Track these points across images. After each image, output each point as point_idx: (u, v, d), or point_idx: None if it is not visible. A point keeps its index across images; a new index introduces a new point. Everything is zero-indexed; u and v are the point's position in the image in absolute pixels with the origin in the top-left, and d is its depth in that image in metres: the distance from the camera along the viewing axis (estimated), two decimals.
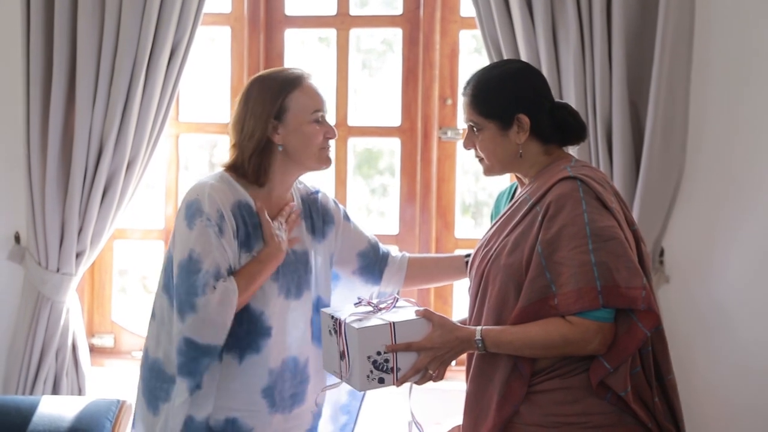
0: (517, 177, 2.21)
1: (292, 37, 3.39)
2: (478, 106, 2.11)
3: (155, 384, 2.18)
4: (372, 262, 2.41)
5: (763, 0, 2.92)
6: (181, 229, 2.13)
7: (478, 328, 2.00)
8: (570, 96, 2.89)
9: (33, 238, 3.11)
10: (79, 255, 3.11)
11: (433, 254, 2.57)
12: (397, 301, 2.11)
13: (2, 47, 3.19)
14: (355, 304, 2.12)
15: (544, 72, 2.89)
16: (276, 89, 2.18)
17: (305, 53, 3.53)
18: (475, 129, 2.12)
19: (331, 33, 3.38)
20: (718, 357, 2.98)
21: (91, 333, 3.38)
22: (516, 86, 2.12)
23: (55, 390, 3.13)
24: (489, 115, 2.10)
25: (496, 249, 2.07)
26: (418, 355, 2.01)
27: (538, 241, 1.98)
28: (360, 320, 2.02)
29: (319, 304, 2.28)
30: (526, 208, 2.06)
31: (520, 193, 2.15)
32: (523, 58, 2.92)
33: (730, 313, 2.96)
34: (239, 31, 3.32)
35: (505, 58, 2.94)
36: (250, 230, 2.17)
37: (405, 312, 2.07)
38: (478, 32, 3.04)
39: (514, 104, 2.09)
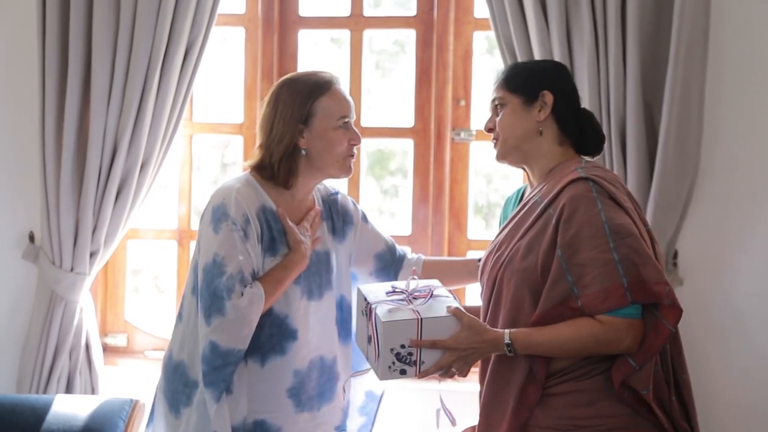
0: (526, 175, 2.20)
1: (305, 38, 3.40)
2: (506, 82, 2.14)
3: (178, 387, 2.19)
4: (388, 264, 2.41)
5: None
6: (206, 233, 2.14)
7: (507, 331, 1.98)
8: (584, 97, 2.88)
9: (47, 237, 3.12)
10: (92, 254, 3.12)
11: (447, 257, 2.57)
12: (432, 294, 2.07)
13: (18, 48, 3.20)
14: (388, 293, 2.08)
15: None
16: (305, 93, 2.18)
17: (318, 54, 3.54)
18: (498, 107, 2.14)
19: (344, 34, 3.38)
20: (733, 359, 2.97)
21: (104, 332, 3.39)
22: (548, 69, 2.18)
23: (69, 389, 3.14)
24: (515, 89, 2.12)
25: (508, 254, 2.06)
26: (443, 353, 1.99)
27: (557, 245, 1.97)
28: (389, 311, 1.99)
29: (342, 304, 2.29)
30: (538, 211, 2.05)
31: (530, 194, 2.14)
32: (537, 58, 2.91)
33: (744, 315, 2.95)
34: (253, 31, 3.33)
35: (519, 59, 2.94)
36: (275, 235, 2.17)
37: (437, 305, 2.03)
38: (491, 33, 3.03)
39: (542, 81, 2.12)
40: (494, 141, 2.16)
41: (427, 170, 3.28)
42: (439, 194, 3.26)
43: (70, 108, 3.06)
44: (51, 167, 3.09)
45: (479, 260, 2.36)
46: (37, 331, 3.12)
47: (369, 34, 3.38)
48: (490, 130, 2.17)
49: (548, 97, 2.10)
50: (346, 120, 2.21)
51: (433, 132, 3.27)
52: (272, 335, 2.17)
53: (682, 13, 2.83)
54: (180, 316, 2.24)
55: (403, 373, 1.99)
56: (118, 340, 3.39)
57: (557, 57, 2.89)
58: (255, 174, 2.22)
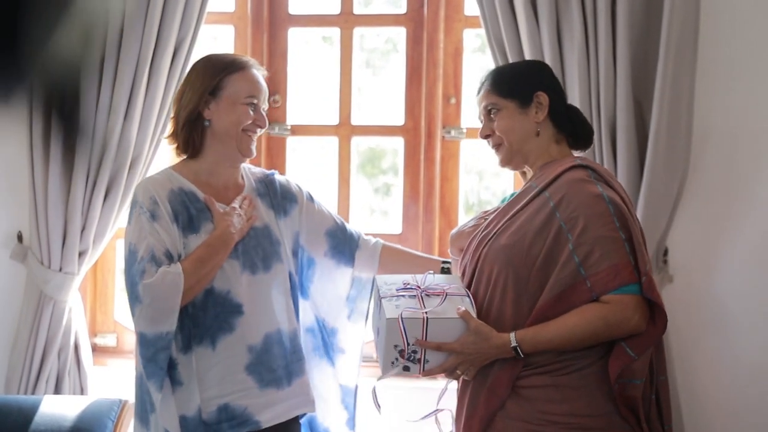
0: (522, 174, 2.20)
1: (295, 36, 3.39)
2: (496, 88, 2.13)
3: (144, 396, 2.17)
4: (341, 242, 2.40)
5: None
6: (125, 229, 2.21)
7: (512, 334, 1.95)
8: (574, 95, 2.88)
9: (36, 237, 3.10)
10: (81, 254, 3.10)
11: (411, 250, 2.58)
12: (446, 293, 2.02)
13: None
14: (399, 288, 2.04)
15: None
16: (219, 67, 2.23)
17: (309, 52, 3.52)
18: (492, 112, 2.13)
19: (334, 32, 3.37)
20: (722, 356, 2.96)
21: (93, 332, 3.37)
22: (535, 69, 2.19)
23: (58, 389, 3.12)
24: (508, 94, 2.12)
25: (496, 231, 2.06)
26: (448, 355, 1.97)
27: (559, 228, 1.95)
28: (397, 306, 1.98)
29: (291, 278, 2.29)
30: (532, 194, 2.05)
31: (525, 183, 2.15)
32: (528, 57, 2.90)
33: (734, 313, 2.95)
34: (243, 29, 3.31)
35: (509, 57, 2.93)
36: (193, 213, 2.19)
37: (448, 305, 1.99)
38: (482, 31, 3.02)
39: (535, 83, 2.12)
40: (495, 147, 2.16)
41: (418, 168, 3.27)
42: (430, 192, 3.26)
43: (57, 106, 3.04)
44: (39, 167, 3.07)
45: (444, 263, 2.36)
46: (25, 332, 3.11)
47: (359, 32, 3.37)
48: (487, 136, 2.16)
49: (543, 98, 2.11)
50: (254, 100, 2.23)
51: (423, 130, 3.26)
52: (217, 314, 2.16)
53: (671, 10, 2.82)
54: None
55: (406, 369, 1.98)
56: (107, 340, 3.37)
57: (547, 55, 2.89)
58: (177, 165, 2.27)
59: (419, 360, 1.96)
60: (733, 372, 2.95)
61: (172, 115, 2.28)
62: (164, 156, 3.30)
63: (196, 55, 3.08)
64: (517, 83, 2.13)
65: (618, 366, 1.94)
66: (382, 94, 3.54)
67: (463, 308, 1.98)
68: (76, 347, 3.15)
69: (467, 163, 3.34)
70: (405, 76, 3.30)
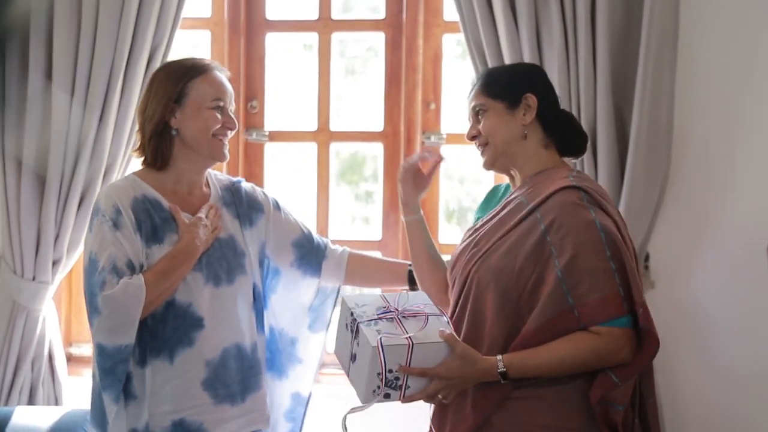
0: (509, 177, 2.16)
1: (275, 42, 3.36)
2: (486, 89, 2.10)
3: (100, 404, 2.12)
4: (308, 252, 2.36)
5: (748, 4, 2.89)
6: (86, 236, 2.16)
7: (499, 357, 1.90)
8: None
9: (8, 245, 3.05)
10: (55, 263, 3.05)
11: (377, 256, 2.55)
12: (427, 315, 1.95)
13: None
14: (376, 312, 1.95)
15: None
16: (180, 74, 2.17)
17: (287, 58, 3.49)
18: (480, 113, 2.10)
19: (313, 38, 3.34)
20: (704, 362, 2.95)
21: (68, 342, 3.32)
22: (528, 71, 2.16)
23: (31, 400, 3.07)
24: (496, 95, 2.08)
25: (486, 251, 2.01)
26: (430, 380, 1.90)
27: (548, 253, 1.91)
28: (378, 331, 1.88)
29: (255, 291, 2.24)
30: (523, 213, 1.99)
31: (513, 193, 2.10)
32: (507, 62, 2.88)
33: (715, 318, 2.93)
34: (219, 35, 3.28)
35: (489, 62, 2.91)
36: (157, 222, 2.14)
37: (429, 327, 1.91)
38: (461, 36, 3.00)
39: (524, 84, 2.08)
40: (481, 149, 2.12)
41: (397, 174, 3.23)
42: None
43: (31, 112, 3.00)
44: (11, 174, 3.02)
45: (410, 267, 2.33)
46: None
47: (338, 38, 3.35)
48: (473, 138, 2.13)
49: (532, 100, 2.06)
50: (221, 103, 2.18)
51: (403, 136, 3.24)
52: (177, 327, 2.11)
53: (651, 15, 2.81)
54: None
55: (387, 396, 1.90)
56: (83, 350, 3.32)
57: (527, 59, 2.87)
58: (140, 171, 2.22)
59: (400, 386, 1.89)
60: (713, 376, 2.94)
61: (137, 128, 2.22)
62: (139, 164, 3.25)
63: None
64: (507, 84, 2.09)
65: (600, 392, 1.91)
66: (361, 100, 3.51)
67: (447, 331, 1.91)
68: (51, 357, 3.10)
69: (448, 169, 3.32)
70: (384, 82, 3.27)
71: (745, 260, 2.87)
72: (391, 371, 1.86)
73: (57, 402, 3.10)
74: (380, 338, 1.85)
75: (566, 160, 2.15)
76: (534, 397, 1.93)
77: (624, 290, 1.89)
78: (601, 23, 2.83)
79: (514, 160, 2.09)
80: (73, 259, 3.09)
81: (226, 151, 2.21)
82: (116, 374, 2.05)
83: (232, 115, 2.22)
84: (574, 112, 2.86)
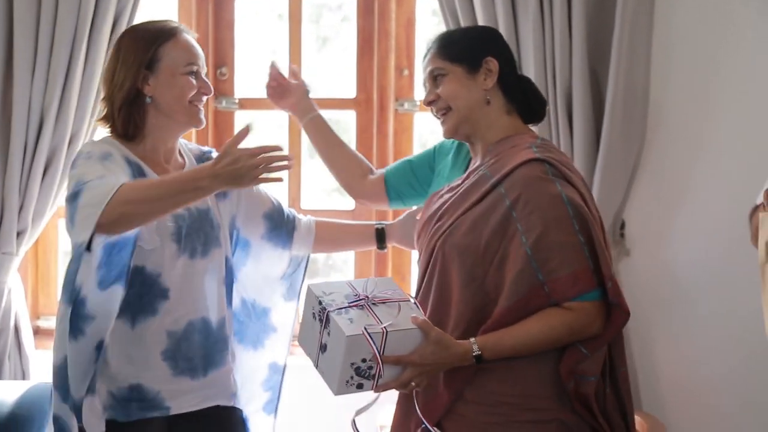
0: (470, 144, 2.10)
1: (250, 11, 3.27)
2: (443, 51, 2.02)
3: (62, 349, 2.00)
4: (279, 224, 2.31)
5: None
6: (67, 185, 2.00)
7: (473, 340, 1.86)
8: (529, 65, 2.81)
9: None
10: (20, 234, 2.98)
11: (342, 221, 2.51)
12: (396, 300, 1.89)
13: None
14: (348, 297, 1.88)
15: None
16: (149, 39, 2.08)
17: (258, 23, 3.42)
18: (438, 78, 2.03)
19: (284, 4, 3.26)
20: (679, 330, 2.94)
21: (36, 315, 3.26)
22: (486, 35, 2.08)
23: None
24: (455, 58, 2.01)
25: (449, 226, 1.96)
26: (404, 368, 1.85)
27: (516, 229, 1.87)
28: (351, 320, 1.82)
29: (227, 264, 2.19)
30: (486, 187, 1.93)
31: (476, 165, 2.03)
32: (481, 24, 2.83)
33: (690, 285, 2.92)
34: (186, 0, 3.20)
35: (462, 26, 2.86)
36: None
37: (401, 314, 1.86)
38: (435, 1, 2.94)
39: (484, 47, 2.02)
40: (440, 115, 2.05)
41: (371, 142, 3.19)
42: (383, 165, 3.16)
43: None
44: None
45: (378, 224, 2.31)
46: None
47: (310, 3, 3.27)
48: (430, 103, 2.05)
49: (493, 64, 2.00)
50: (194, 68, 2.10)
51: (376, 103, 3.18)
52: (142, 294, 2.05)
53: None
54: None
55: (359, 387, 1.84)
56: (50, 323, 3.25)
57: (501, 23, 2.81)
58: (114, 136, 2.12)
59: (373, 375, 1.84)
60: (688, 342, 2.93)
61: (102, 96, 2.13)
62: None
63: None
64: (466, 48, 2.02)
65: (569, 364, 1.88)
66: (333, 67, 3.44)
67: (420, 317, 1.86)
68: (17, 330, 3.04)
69: (421, 136, 3.27)
70: (356, 48, 3.21)
71: (720, 226, 2.86)
72: (364, 360, 1.81)
73: (24, 376, 3.05)
74: (365, 327, 1.79)
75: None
76: (503, 368, 1.89)
77: (593, 264, 1.86)
78: None
79: (477, 127, 2.03)
80: (38, 230, 3.02)
81: (203, 117, 2.14)
82: (74, 278, 1.90)
83: (207, 80, 2.14)
84: (550, 78, 2.82)
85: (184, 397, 2.11)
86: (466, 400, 1.92)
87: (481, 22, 2.83)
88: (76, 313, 1.94)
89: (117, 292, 1.97)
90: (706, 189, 2.90)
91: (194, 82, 2.10)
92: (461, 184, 2.03)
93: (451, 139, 2.16)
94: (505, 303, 1.87)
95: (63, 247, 3.34)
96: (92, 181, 1.90)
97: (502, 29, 2.81)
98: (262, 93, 3.38)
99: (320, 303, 1.86)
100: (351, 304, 1.85)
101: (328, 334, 1.84)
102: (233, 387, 2.21)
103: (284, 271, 2.36)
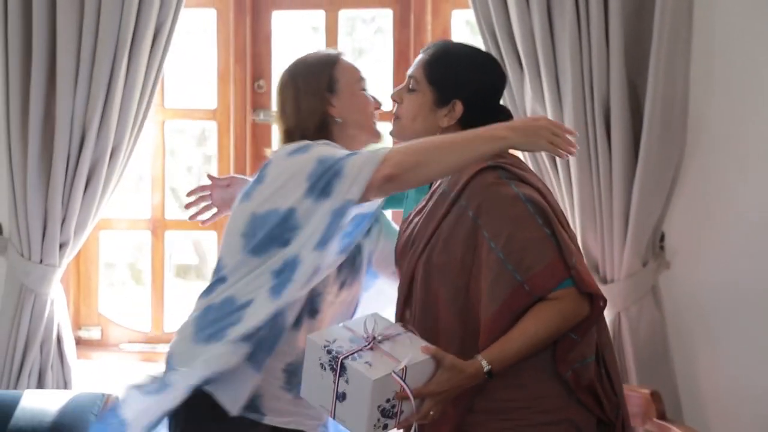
0: None
1: (282, 22, 3.30)
2: (428, 67, 2.03)
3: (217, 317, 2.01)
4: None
5: None
6: (287, 165, 1.99)
7: (480, 357, 1.85)
8: (566, 76, 2.80)
9: (15, 228, 3.02)
10: (62, 246, 3.02)
11: None
12: (403, 336, 1.87)
13: None
14: (353, 341, 1.86)
15: (540, 52, 2.81)
16: (321, 64, 2.13)
17: (295, 37, 3.45)
18: (411, 85, 2.05)
19: (320, 18, 3.29)
20: (720, 343, 2.90)
21: (77, 325, 3.30)
22: (473, 73, 2.04)
23: (41, 384, 3.05)
24: (432, 81, 2.02)
25: (423, 249, 1.99)
26: (422, 400, 1.84)
27: (482, 237, 1.89)
28: (367, 364, 1.80)
29: (357, 301, 2.19)
30: (447, 203, 1.97)
31: (437, 185, 2.07)
32: (518, 37, 2.83)
33: (731, 298, 2.88)
34: (225, 13, 3.23)
35: (499, 37, 2.86)
36: None
37: (405, 347, 1.84)
38: (471, 12, 2.94)
39: (460, 88, 2.01)
40: (394, 117, 2.09)
41: None
42: None
43: (35, 95, 2.96)
44: (17, 156, 2.98)
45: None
46: (6, 325, 3.03)
47: (345, 16, 3.29)
48: (394, 100, 2.09)
49: (458, 108, 2.01)
50: (364, 84, 2.17)
51: None
52: (302, 307, 2.04)
53: None
54: (221, 280, 2.06)
55: (385, 427, 1.82)
56: (92, 333, 3.30)
57: (538, 34, 2.81)
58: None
59: (396, 413, 1.82)
60: (731, 357, 2.89)
61: (285, 128, 2.14)
62: (146, 144, 3.22)
63: (177, 40, 3.02)
64: (446, 79, 2.02)
65: (563, 351, 1.90)
66: (369, 79, 3.45)
67: (431, 347, 1.84)
68: (59, 340, 3.08)
69: None
70: (392, 60, 3.22)
71: (762, 238, 2.83)
72: (388, 400, 1.80)
73: (66, 385, 3.08)
74: (376, 370, 1.78)
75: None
76: (509, 374, 1.90)
77: (564, 252, 1.88)
78: None
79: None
80: (81, 242, 3.06)
81: (379, 130, 2.19)
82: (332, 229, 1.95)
83: (374, 96, 2.19)
84: (587, 88, 2.80)
85: (280, 412, 2.10)
86: (476, 411, 1.92)
87: (517, 33, 2.82)
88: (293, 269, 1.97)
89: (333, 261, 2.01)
90: (748, 200, 2.86)
91: (368, 97, 2.16)
92: (425, 205, 2.07)
93: None
94: (489, 310, 1.88)
95: (104, 259, 3.39)
96: (355, 154, 1.93)
97: (539, 39, 2.80)
98: None
99: (329, 352, 1.84)
100: (362, 348, 1.84)
101: (347, 381, 1.82)
102: (323, 418, 2.18)
103: None
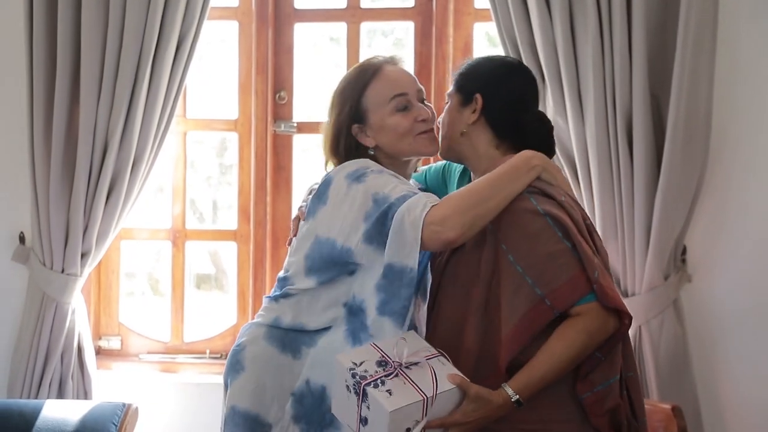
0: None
1: (302, 35, 3.31)
2: (455, 78, 2.11)
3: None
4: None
5: None
6: (346, 194, 1.96)
7: (507, 386, 1.85)
8: (589, 89, 2.80)
9: (38, 238, 3.04)
10: (84, 255, 3.04)
11: None
12: (431, 366, 1.85)
13: (5, 44, 3.12)
14: (379, 365, 1.85)
15: (562, 64, 2.80)
16: (351, 88, 2.09)
17: (316, 49, 3.46)
18: (447, 100, 2.12)
19: (341, 30, 3.30)
20: (743, 357, 2.88)
21: (98, 335, 3.31)
22: (492, 71, 2.09)
23: (61, 393, 3.06)
24: (457, 88, 2.09)
25: (447, 261, 2.00)
26: (448, 428, 1.85)
27: (501, 250, 1.89)
28: (389, 392, 1.78)
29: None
30: None
31: None
32: (540, 50, 2.83)
33: (753, 312, 2.86)
34: (247, 25, 3.24)
35: (521, 50, 2.86)
36: None
37: (436, 373, 1.82)
38: (492, 24, 2.94)
39: (477, 82, 2.06)
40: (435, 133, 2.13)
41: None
42: None
43: (59, 105, 2.98)
44: (40, 166, 3.00)
45: None
46: (28, 334, 3.04)
47: (366, 28, 3.30)
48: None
49: (478, 100, 2.04)
50: (401, 98, 2.06)
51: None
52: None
53: (689, 0, 2.73)
54: (287, 295, 2.07)
55: None
56: (112, 343, 3.31)
57: (560, 48, 2.81)
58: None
59: None
60: (754, 371, 2.87)
61: (329, 152, 2.13)
62: (168, 155, 3.24)
63: (200, 52, 3.04)
64: (467, 79, 2.08)
65: (587, 370, 1.88)
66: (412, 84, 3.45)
67: (458, 375, 1.84)
68: (80, 350, 3.09)
69: None
70: (414, 72, 3.20)
71: None
72: (409, 429, 1.79)
73: (86, 395, 3.09)
74: (396, 400, 1.77)
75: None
76: None
77: (584, 267, 1.87)
78: (637, 8, 2.76)
79: (461, 156, 2.09)
80: (102, 252, 3.08)
81: (432, 142, 2.09)
82: (400, 298, 1.91)
83: (423, 104, 2.10)
84: (609, 101, 2.80)
85: None
86: (491, 430, 1.91)
87: (539, 45, 2.82)
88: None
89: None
90: None
91: (407, 115, 2.06)
92: None
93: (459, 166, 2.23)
94: (509, 324, 1.86)
95: (125, 269, 3.40)
96: (407, 197, 1.89)
97: (561, 53, 2.80)
98: (320, 117, 3.43)
99: (354, 376, 1.83)
100: (386, 375, 1.82)
101: (368, 408, 1.81)
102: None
103: None
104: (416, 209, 1.87)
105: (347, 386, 1.86)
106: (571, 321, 1.86)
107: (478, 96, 2.04)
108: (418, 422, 1.79)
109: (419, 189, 2.10)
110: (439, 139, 2.10)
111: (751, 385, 2.87)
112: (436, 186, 2.31)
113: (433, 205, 1.87)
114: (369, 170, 1.98)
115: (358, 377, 1.82)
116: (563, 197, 1.97)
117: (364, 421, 1.84)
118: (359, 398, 1.83)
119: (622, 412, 1.92)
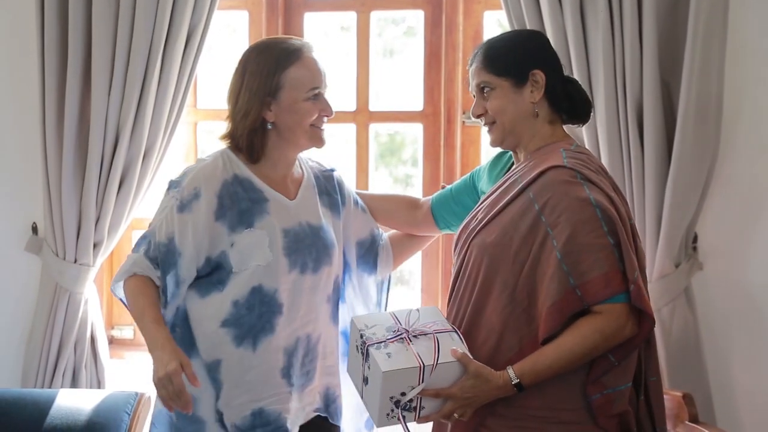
0: (514, 153, 2.12)
1: (312, 24, 3.31)
2: (489, 65, 2.04)
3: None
4: (368, 252, 2.35)
5: None
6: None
7: (510, 369, 1.86)
8: (599, 76, 2.79)
9: (50, 228, 3.06)
10: (96, 245, 3.05)
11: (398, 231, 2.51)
12: (436, 338, 1.90)
13: (17, 35, 3.14)
14: (389, 330, 1.91)
15: (572, 52, 2.80)
16: (273, 64, 2.10)
17: (326, 40, 3.46)
18: (485, 90, 2.04)
19: (351, 19, 3.29)
20: (754, 345, 2.87)
21: (110, 325, 3.33)
22: (530, 44, 2.07)
23: (74, 383, 3.08)
24: (502, 72, 2.02)
25: (479, 228, 1.99)
26: (445, 400, 1.88)
27: (545, 234, 1.87)
28: (388, 355, 1.84)
29: (335, 283, 2.22)
30: (516, 191, 1.96)
31: (513, 169, 2.06)
32: (550, 36, 2.81)
33: (765, 300, 2.85)
34: (257, 15, 3.25)
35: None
36: (245, 207, 2.10)
37: (442, 346, 1.87)
38: (503, 13, 2.93)
39: (530, 60, 2.02)
40: (488, 126, 2.08)
41: (438, 155, 3.19)
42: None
43: (70, 97, 2.99)
44: (53, 157, 3.02)
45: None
46: (41, 324, 3.07)
47: (376, 17, 3.29)
48: (479, 116, 2.08)
49: (540, 76, 2.02)
50: (317, 90, 2.13)
51: (443, 116, 3.18)
52: (262, 314, 2.09)
53: None
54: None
55: (403, 418, 1.88)
56: (124, 333, 3.33)
57: (571, 35, 2.80)
58: (233, 149, 2.17)
59: (415, 408, 1.87)
60: (765, 359, 2.86)
61: (227, 114, 2.18)
62: (179, 146, 3.25)
63: (210, 43, 3.04)
64: (513, 61, 2.03)
65: (597, 373, 1.87)
66: (400, 80, 3.46)
67: (459, 350, 1.87)
68: (93, 340, 3.11)
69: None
70: (423, 61, 3.22)
71: None
72: (404, 393, 1.83)
73: (99, 384, 3.11)
74: (392, 362, 1.82)
75: (572, 128, 2.11)
76: None
77: (622, 266, 1.85)
78: None
79: (521, 138, 2.06)
80: (114, 242, 3.09)
81: (324, 137, 2.18)
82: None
83: (328, 101, 2.17)
84: (620, 89, 2.79)
85: (296, 413, 2.13)
86: (497, 414, 1.92)
87: (549, 33, 2.81)
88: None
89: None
90: None
91: (316, 105, 2.13)
92: (497, 189, 2.06)
93: (506, 154, 2.21)
94: (545, 306, 1.86)
95: None
96: (146, 249, 2.13)
97: (571, 40, 2.79)
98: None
99: (361, 336, 1.89)
100: (390, 339, 1.87)
101: (368, 367, 1.87)
102: (318, 403, 2.21)
103: (376, 298, 2.38)
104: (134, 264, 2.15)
105: (357, 346, 1.94)
106: (588, 318, 1.85)
107: (537, 72, 2.01)
108: (413, 388, 1.82)
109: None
110: (495, 130, 2.06)
111: (762, 372, 2.86)
112: (465, 192, 2.32)
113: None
114: (173, 188, 2.17)
115: (364, 338, 1.88)
116: (613, 192, 1.96)
117: (366, 380, 1.90)
118: (363, 358, 1.89)
119: (631, 419, 1.91)
